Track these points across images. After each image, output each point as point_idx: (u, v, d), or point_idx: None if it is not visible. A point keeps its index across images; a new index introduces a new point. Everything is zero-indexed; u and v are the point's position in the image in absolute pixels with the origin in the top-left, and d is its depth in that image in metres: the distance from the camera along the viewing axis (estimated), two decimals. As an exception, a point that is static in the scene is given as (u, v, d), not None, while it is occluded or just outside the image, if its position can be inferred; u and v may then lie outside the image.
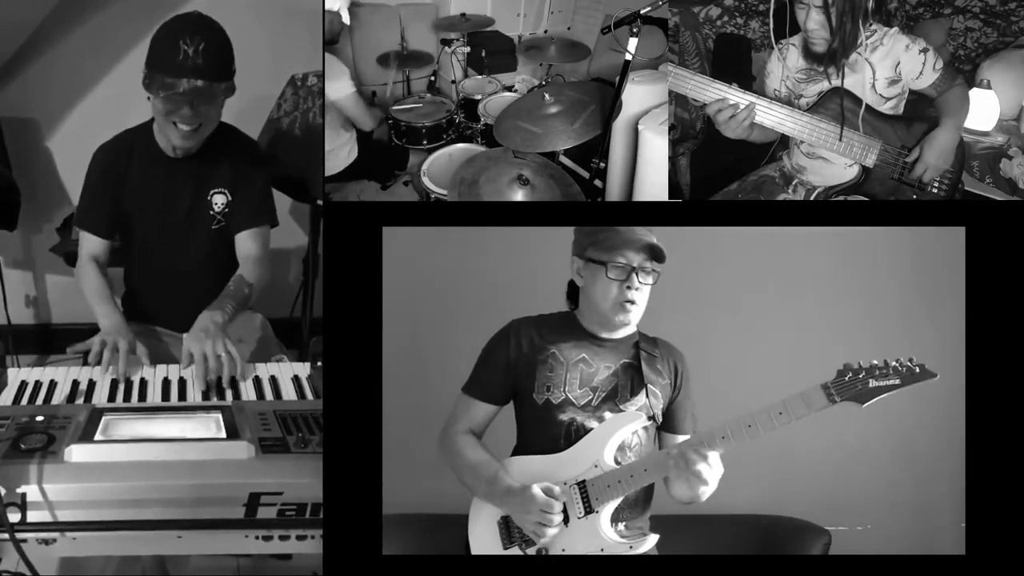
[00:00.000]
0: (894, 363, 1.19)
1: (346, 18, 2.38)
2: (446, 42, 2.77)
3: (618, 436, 1.28)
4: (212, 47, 1.73)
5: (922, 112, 1.85)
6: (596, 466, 1.27)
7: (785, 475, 1.75)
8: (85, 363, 1.66)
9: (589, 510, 1.26)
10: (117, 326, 1.72)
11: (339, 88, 2.32)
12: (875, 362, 1.19)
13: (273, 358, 1.80)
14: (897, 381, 1.19)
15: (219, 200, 1.91)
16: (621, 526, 1.29)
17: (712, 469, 1.21)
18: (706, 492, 1.25)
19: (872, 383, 1.18)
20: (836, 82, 1.74)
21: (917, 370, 1.19)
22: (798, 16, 1.73)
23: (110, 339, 1.64)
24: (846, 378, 1.19)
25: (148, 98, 1.77)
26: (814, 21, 1.68)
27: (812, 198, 1.88)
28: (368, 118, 2.46)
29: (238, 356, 1.63)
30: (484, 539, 1.30)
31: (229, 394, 1.57)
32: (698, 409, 1.37)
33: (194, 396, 1.56)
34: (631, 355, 1.33)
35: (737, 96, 1.72)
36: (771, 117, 1.75)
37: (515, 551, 1.28)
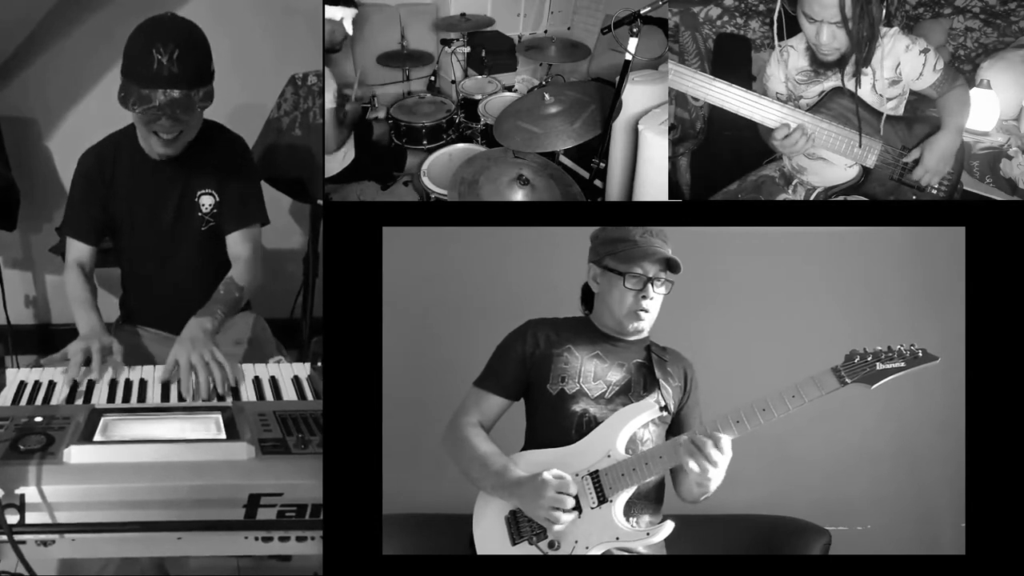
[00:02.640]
0: (898, 347, 1.24)
1: (349, 28, 2.35)
2: (446, 42, 2.77)
3: (631, 426, 1.29)
4: (187, 53, 1.67)
5: (923, 113, 1.85)
6: (609, 456, 1.28)
7: (785, 475, 1.75)
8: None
9: (603, 499, 1.26)
10: (95, 332, 1.70)
11: (328, 100, 2.31)
12: (879, 348, 1.24)
13: (272, 359, 1.80)
14: (902, 364, 1.23)
15: (207, 201, 1.89)
16: (634, 521, 1.30)
17: (723, 454, 1.21)
18: (715, 481, 1.24)
19: (879, 366, 1.23)
20: (848, 85, 1.74)
21: (920, 354, 1.24)
22: (807, 30, 1.72)
23: (83, 347, 1.61)
24: (855, 361, 1.23)
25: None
26: (826, 35, 1.68)
27: (812, 198, 1.88)
28: (332, 140, 2.39)
29: (226, 362, 1.61)
30: (490, 536, 1.30)
31: (229, 395, 1.57)
32: (705, 416, 1.38)
33: (186, 398, 1.55)
34: (643, 356, 1.36)
35: (747, 99, 1.72)
36: (773, 116, 1.75)
37: (524, 546, 1.28)
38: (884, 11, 1.68)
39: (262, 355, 1.87)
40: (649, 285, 1.32)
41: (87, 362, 1.60)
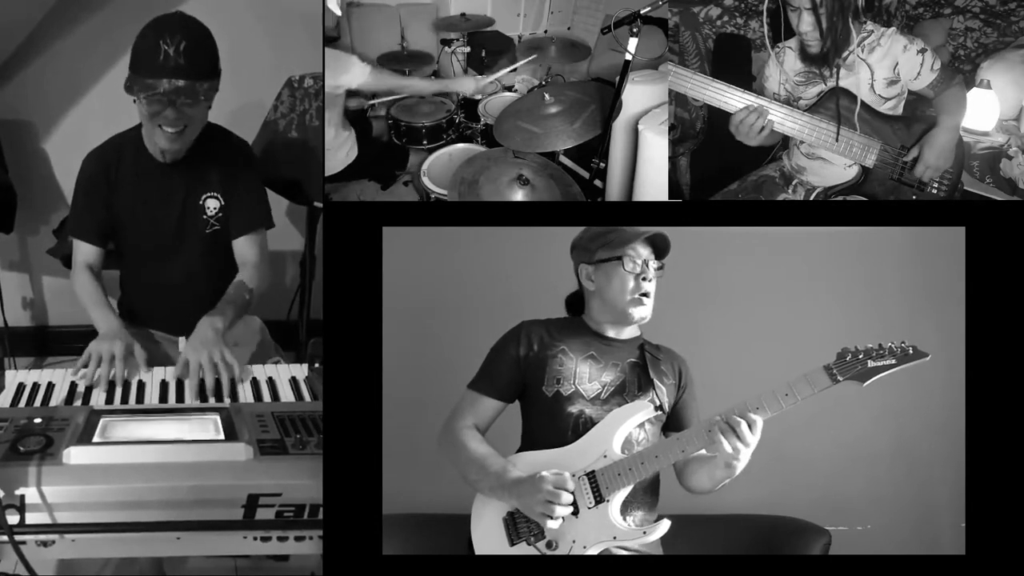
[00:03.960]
0: (889, 345, 1.25)
1: (337, 9, 2.34)
2: (446, 42, 2.77)
3: (626, 426, 1.30)
4: (193, 45, 1.69)
5: (921, 112, 1.85)
6: (605, 456, 1.28)
7: (785, 475, 1.75)
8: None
9: (600, 499, 1.26)
10: (114, 330, 1.71)
11: (356, 76, 2.28)
12: (870, 345, 1.25)
13: (269, 360, 1.80)
14: (893, 361, 1.24)
15: (212, 204, 1.89)
16: (630, 520, 1.30)
17: (755, 435, 1.22)
18: (743, 463, 1.23)
19: (870, 363, 1.23)
20: (833, 83, 1.74)
21: (911, 351, 1.24)
22: (791, 19, 1.73)
23: (105, 347, 1.61)
24: (846, 359, 1.24)
25: (134, 101, 1.75)
26: (806, 23, 1.68)
27: (812, 198, 1.88)
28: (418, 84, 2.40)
29: (235, 362, 1.61)
30: (489, 537, 1.30)
31: (227, 396, 1.57)
32: (703, 414, 1.38)
33: (191, 398, 1.55)
34: (637, 356, 1.36)
35: (745, 99, 1.72)
36: (772, 117, 1.75)
37: (522, 546, 1.28)
38: None
39: (262, 358, 1.87)
40: (647, 267, 1.33)
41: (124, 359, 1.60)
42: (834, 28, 1.67)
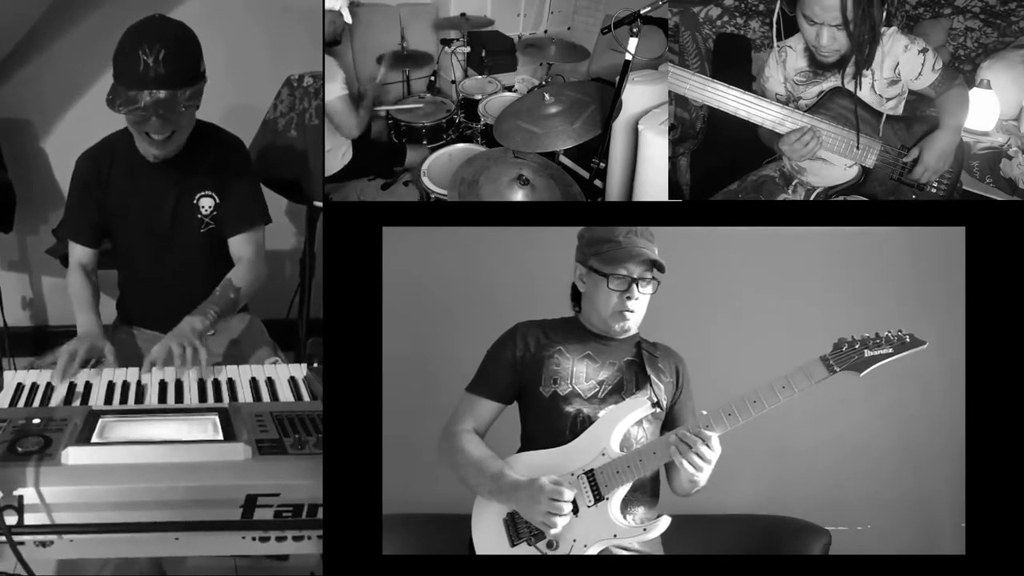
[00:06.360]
0: (886, 333, 1.24)
1: (347, 17, 2.35)
2: (446, 42, 2.77)
3: (624, 423, 1.30)
4: (173, 52, 1.65)
5: (922, 112, 1.85)
6: (603, 454, 1.28)
7: (785, 475, 1.75)
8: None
9: (599, 498, 1.27)
10: (91, 334, 1.71)
11: (331, 90, 2.30)
12: (867, 334, 1.23)
13: (268, 360, 1.80)
14: (890, 350, 1.23)
15: (206, 203, 1.89)
16: (630, 518, 1.30)
17: (712, 451, 1.22)
18: (703, 477, 1.25)
19: (867, 352, 1.22)
20: (848, 86, 1.74)
21: (907, 339, 1.23)
22: (806, 32, 1.71)
23: (74, 347, 1.62)
24: (843, 349, 1.23)
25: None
26: (827, 37, 1.68)
27: (812, 198, 1.88)
28: (353, 124, 2.40)
29: (204, 354, 1.62)
30: (489, 538, 1.30)
31: (226, 396, 1.57)
32: (699, 410, 1.37)
33: (190, 398, 1.55)
34: (634, 354, 1.37)
35: (749, 102, 1.72)
36: (771, 117, 1.75)
37: (523, 547, 1.28)
38: (884, 12, 1.68)
39: (250, 354, 1.86)
40: (634, 286, 1.32)
41: (83, 363, 1.61)
42: (862, 47, 1.66)
